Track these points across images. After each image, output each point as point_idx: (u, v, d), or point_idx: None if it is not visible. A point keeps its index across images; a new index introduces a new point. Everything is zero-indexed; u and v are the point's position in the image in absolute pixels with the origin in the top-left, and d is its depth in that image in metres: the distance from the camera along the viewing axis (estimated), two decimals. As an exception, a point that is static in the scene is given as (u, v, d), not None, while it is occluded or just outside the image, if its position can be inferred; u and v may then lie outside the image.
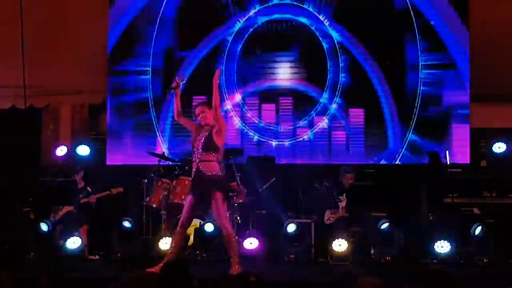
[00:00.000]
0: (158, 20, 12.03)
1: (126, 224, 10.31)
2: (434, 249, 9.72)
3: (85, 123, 13.02)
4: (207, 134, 8.38)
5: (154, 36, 12.04)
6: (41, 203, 10.76)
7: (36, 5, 12.22)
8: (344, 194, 10.32)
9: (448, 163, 10.59)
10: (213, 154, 8.37)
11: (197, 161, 8.37)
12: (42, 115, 13.03)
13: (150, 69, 12.05)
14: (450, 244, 9.69)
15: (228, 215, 9.54)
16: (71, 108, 12.96)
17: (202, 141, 8.36)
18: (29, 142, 12.64)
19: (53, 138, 13.00)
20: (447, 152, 10.62)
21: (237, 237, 9.99)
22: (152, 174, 10.57)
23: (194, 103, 9.28)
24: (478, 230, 9.76)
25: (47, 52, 12.34)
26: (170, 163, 10.86)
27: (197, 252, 10.05)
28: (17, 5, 11.83)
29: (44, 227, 10.25)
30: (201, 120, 8.43)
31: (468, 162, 11.21)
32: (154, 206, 10.42)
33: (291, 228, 10.08)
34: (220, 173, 8.45)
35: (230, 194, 9.97)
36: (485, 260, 9.55)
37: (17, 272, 8.47)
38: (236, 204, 10.25)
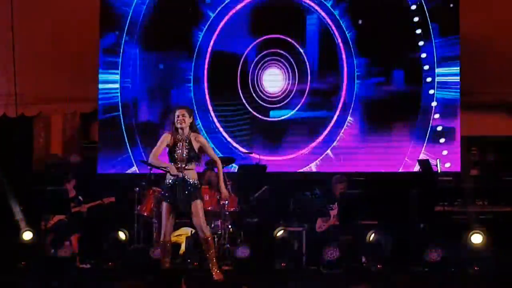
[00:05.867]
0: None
1: (119, 234, 10.33)
2: (424, 257, 9.73)
3: (77, 132, 13.03)
4: (187, 144, 8.49)
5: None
6: (33, 211, 10.73)
7: (27, 14, 12.23)
8: (336, 203, 10.34)
9: (439, 171, 10.62)
10: (193, 163, 8.55)
11: (180, 169, 8.48)
12: (34, 123, 13.03)
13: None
14: (441, 252, 9.70)
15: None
16: (63, 116, 12.97)
17: (185, 151, 8.47)
18: (21, 151, 12.63)
19: (45, 147, 13.01)
20: (437, 160, 10.64)
21: (227, 244, 10.05)
22: (143, 183, 10.58)
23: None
24: (477, 239, 9.77)
25: (38, 60, 12.35)
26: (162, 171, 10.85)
27: (189, 260, 10.04)
28: (8, 14, 11.84)
29: (27, 236, 10.27)
30: (178, 122, 8.50)
31: (459, 170, 11.25)
32: (145, 214, 10.42)
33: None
34: (197, 181, 8.63)
35: (222, 202, 10.02)
36: (476, 268, 9.56)
37: (8, 281, 8.48)
38: (227, 213, 10.26)
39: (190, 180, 8.46)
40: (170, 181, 8.49)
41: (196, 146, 8.47)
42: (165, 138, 8.51)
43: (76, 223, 10.68)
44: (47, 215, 10.62)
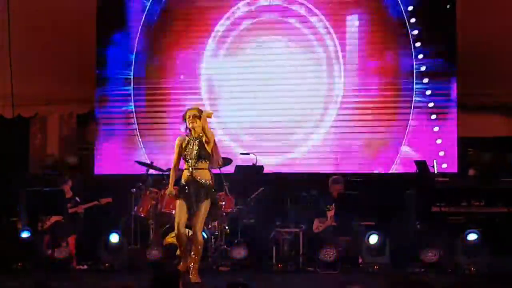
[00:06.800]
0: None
1: (114, 236, 10.30)
2: (421, 257, 9.72)
3: (73, 133, 13.02)
4: (198, 143, 8.54)
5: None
6: (29, 212, 10.71)
7: (24, 15, 12.20)
8: (333, 203, 10.33)
9: (436, 172, 10.63)
10: (205, 162, 8.56)
11: (190, 168, 8.52)
12: (30, 124, 13.01)
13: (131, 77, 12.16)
14: (438, 253, 9.70)
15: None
16: (59, 117, 12.96)
17: (195, 149, 8.52)
18: (17, 152, 12.61)
19: (41, 148, 12.99)
20: (434, 161, 10.65)
21: (224, 245, 10.04)
22: (140, 184, 10.57)
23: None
24: (472, 237, 9.74)
25: (35, 61, 12.33)
26: (158, 172, 10.84)
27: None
28: (4, 15, 11.81)
29: (25, 234, 10.24)
30: (190, 122, 8.58)
31: (456, 171, 11.26)
32: (142, 215, 10.41)
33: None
34: (211, 181, 8.64)
35: (220, 203, 10.02)
36: (472, 268, 9.56)
37: (4, 282, 8.46)
38: (224, 214, 10.25)
39: (202, 180, 8.53)
40: (183, 181, 8.55)
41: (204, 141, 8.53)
42: (177, 142, 8.67)
43: (73, 224, 10.66)
44: (43, 216, 10.60)
